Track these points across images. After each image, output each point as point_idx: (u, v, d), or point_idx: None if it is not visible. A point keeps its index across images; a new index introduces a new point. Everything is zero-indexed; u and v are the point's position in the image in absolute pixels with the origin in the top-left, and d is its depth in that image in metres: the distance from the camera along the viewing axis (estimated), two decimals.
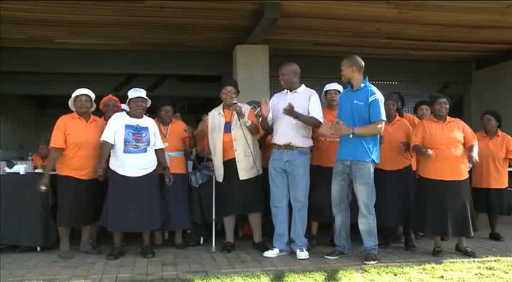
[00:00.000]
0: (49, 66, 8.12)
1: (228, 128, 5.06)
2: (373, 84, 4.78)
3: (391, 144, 5.21)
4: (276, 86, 7.70)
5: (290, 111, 4.74)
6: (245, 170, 5.04)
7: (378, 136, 4.74)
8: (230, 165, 5.05)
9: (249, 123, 4.98)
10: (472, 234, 4.96)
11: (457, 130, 4.92)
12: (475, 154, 4.79)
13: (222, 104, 5.20)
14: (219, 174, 5.13)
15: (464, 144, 4.90)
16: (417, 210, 5.01)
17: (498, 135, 5.77)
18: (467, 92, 9.62)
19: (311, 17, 6.66)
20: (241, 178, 5.03)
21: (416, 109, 5.99)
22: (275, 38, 7.47)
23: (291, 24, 6.91)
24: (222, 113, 5.15)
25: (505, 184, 5.71)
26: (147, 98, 4.99)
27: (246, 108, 5.10)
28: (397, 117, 5.39)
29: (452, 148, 4.84)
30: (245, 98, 5.65)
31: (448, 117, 5.00)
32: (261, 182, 5.16)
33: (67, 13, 6.37)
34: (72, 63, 8.12)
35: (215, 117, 5.18)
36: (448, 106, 4.97)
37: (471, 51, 8.71)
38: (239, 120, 4.95)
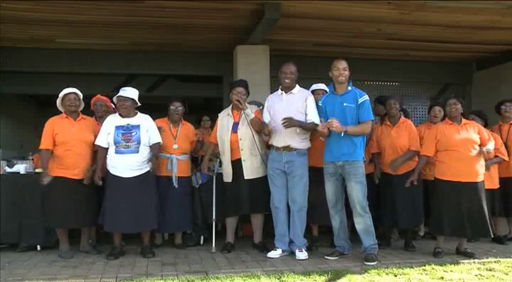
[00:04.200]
0: (49, 66, 8.10)
1: (235, 127, 5.08)
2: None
3: (395, 148, 5.21)
4: (276, 87, 7.69)
5: (290, 123, 4.77)
6: (250, 169, 5.06)
7: (365, 135, 4.82)
8: (237, 165, 5.07)
9: (252, 116, 4.99)
10: (492, 235, 4.94)
11: (473, 132, 4.92)
12: (485, 148, 4.81)
13: (231, 105, 5.22)
14: (227, 173, 5.14)
15: (480, 146, 4.89)
16: (435, 212, 5.00)
17: None
18: (467, 93, 9.59)
19: (311, 18, 6.64)
20: (245, 177, 5.04)
21: (430, 110, 5.95)
22: (275, 39, 7.46)
23: (292, 25, 6.90)
24: (230, 113, 5.19)
25: (496, 185, 5.65)
26: (130, 97, 4.89)
27: (253, 108, 5.14)
28: (402, 119, 5.36)
29: (468, 150, 4.84)
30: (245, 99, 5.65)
31: (463, 120, 5.00)
32: (267, 182, 5.15)
33: (67, 13, 6.36)
34: (72, 63, 8.10)
35: (224, 118, 5.22)
36: (458, 107, 4.96)
37: (471, 52, 8.70)
38: (243, 110, 4.98)
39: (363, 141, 4.77)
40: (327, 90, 5.20)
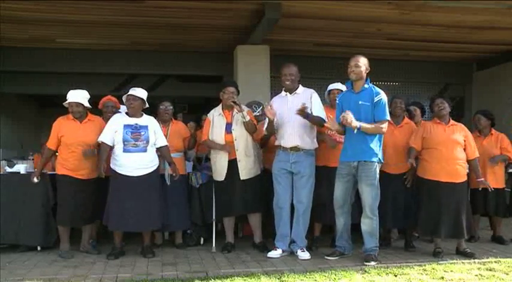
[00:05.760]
0: (49, 66, 8.12)
1: (229, 128, 5.08)
2: (373, 85, 4.77)
3: (397, 148, 5.18)
4: (276, 87, 7.70)
5: (303, 111, 4.72)
6: (246, 170, 5.06)
7: (382, 136, 4.72)
8: (231, 165, 5.05)
9: (248, 118, 4.99)
10: (466, 236, 4.97)
11: (459, 133, 4.92)
12: (482, 179, 4.94)
13: (220, 105, 5.21)
14: (221, 173, 5.12)
15: (465, 152, 4.91)
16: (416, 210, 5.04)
17: (492, 134, 5.68)
18: (468, 93, 9.61)
19: (312, 18, 6.65)
20: (242, 178, 5.03)
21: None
22: (276, 39, 7.46)
23: (292, 25, 6.90)
24: (222, 113, 5.16)
25: (501, 184, 5.62)
26: (140, 97, 4.91)
27: (245, 109, 5.11)
28: (406, 120, 5.34)
29: (451, 150, 4.84)
30: (246, 99, 5.67)
31: (451, 120, 5.01)
32: (261, 182, 5.16)
33: (67, 13, 6.37)
34: (72, 63, 8.11)
35: (215, 118, 5.18)
36: (446, 106, 4.96)
37: (472, 52, 8.71)
38: (241, 112, 4.96)
39: (379, 142, 4.68)
40: (342, 89, 5.17)
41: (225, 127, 5.10)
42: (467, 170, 5.02)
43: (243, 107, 5.16)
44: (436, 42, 7.92)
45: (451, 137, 4.88)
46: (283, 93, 5.09)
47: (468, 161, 4.96)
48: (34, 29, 7.10)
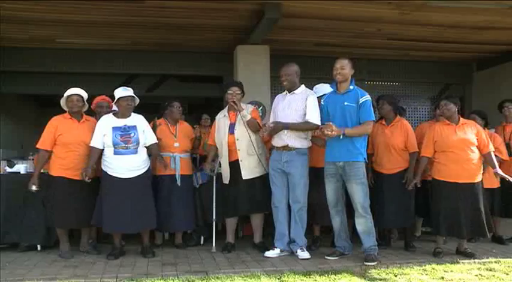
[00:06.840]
0: (49, 66, 8.12)
1: (231, 129, 5.09)
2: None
3: (387, 147, 5.20)
4: (276, 87, 7.71)
5: (275, 129, 4.84)
6: (248, 169, 5.06)
7: (367, 136, 4.77)
8: (235, 166, 5.07)
9: (248, 117, 4.99)
10: (489, 235, 4.97)
11: (471, 132, 4.91)
12: (498, 170, 4.89)
13: (227, 106, 5.22)
14: (225, 176, 5.14)
15: (478, 148, 4.89)
16: (433, 213, 5.01)
17: None
18: (468, 93, 9.61)
19: (312, 18, 6.65)
20: (244, 178, 5.04)
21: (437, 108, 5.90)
22: (276, 39, 7.46)
23: (292, 25, 6.90)
24: (227, 115, 5.19)
25: (496, 184, 5.58)
26: (136, 97, 4.97)
27: (249, 108, 5.15)
28: (397, 118, 5.36)
29: (465, 150, 4.84)
30: (245, 99, 5.64)
31: (461, 119, 5.00)
32: (267, 182, 5.15)
33: (67, 13, 6.36)
34: (72, 63, 8.10)
35: (220, 120, 5.22)
36: (450, 107, 4.95)
37: (472, 52, 8.70)
38: (239, 112, 4.97)
39: (364, 142, 4.73)
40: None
41: (228, 128, 5.12)
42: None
43: (248, 105, 5.19)
44: (436, 42, 7.92)
45: (464, 138, 4.87)
46: (284, 92, 5.11)
47: (483, 156, 4.93)
48: (34, 29, 7.10)
